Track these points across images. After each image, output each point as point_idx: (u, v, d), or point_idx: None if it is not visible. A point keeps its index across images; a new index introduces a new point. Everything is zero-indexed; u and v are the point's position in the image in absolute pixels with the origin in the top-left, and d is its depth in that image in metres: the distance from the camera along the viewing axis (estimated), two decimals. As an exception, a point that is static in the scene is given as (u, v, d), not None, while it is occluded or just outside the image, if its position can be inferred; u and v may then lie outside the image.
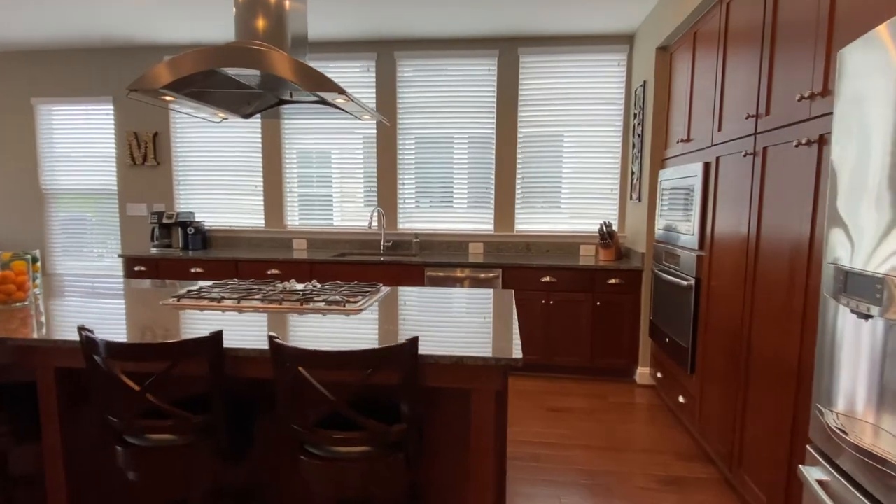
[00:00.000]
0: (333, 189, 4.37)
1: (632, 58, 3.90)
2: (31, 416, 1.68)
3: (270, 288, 2.32)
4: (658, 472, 2.46)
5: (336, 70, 4.23)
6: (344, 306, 2.01)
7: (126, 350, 1.37)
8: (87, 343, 1.41)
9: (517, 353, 1.44)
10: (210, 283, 2.50)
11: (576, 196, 4.12)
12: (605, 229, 3.73)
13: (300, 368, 1.37)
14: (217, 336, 1.42)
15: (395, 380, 1.41)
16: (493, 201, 4.19)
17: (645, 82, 3.50)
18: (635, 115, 3.69)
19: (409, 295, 2.31)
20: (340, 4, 3.41)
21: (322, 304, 2.04)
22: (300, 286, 2.39)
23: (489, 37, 4.00)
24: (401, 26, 3.80)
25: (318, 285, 2.41)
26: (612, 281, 3.50)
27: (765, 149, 1.98)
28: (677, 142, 2.97)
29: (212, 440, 1.48)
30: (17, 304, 2.02)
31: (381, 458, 1.40)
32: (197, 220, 4.42)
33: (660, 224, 3.22)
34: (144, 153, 4.43)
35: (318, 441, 1.40)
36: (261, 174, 4.39)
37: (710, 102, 2.55)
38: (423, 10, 3.48)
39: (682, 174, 2.82)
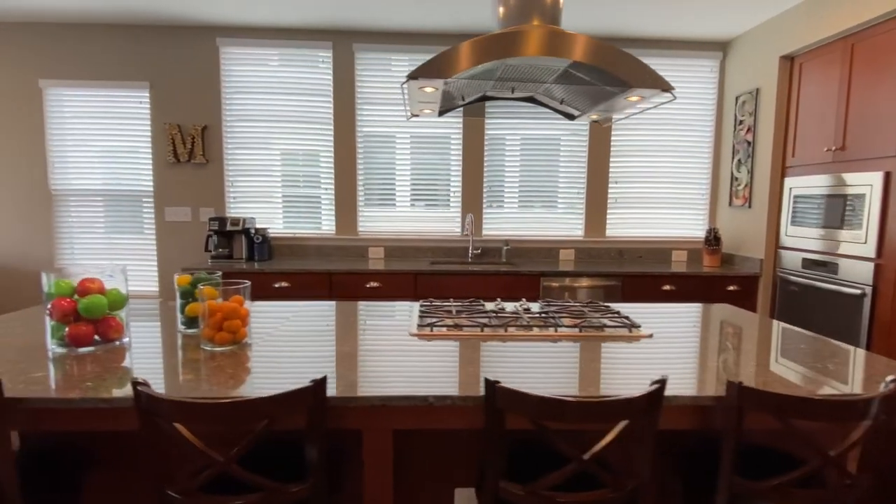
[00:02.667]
0: (402, 193, 4.02)
1: (725, 64, 3.93)
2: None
3: (489, 310, 2.03)
4: (860, 483, 2.45)
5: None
6: (630, 331, 1.78)
7: (583, 408, 1.08)
8: (512, 399, 1.10)
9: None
10: (415, 303, 2.15)
11: (665, 200, 4.09)
12: (712, 235, 3.72)
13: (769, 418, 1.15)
14: (661, 385, 1.17)
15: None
16: (584, 206, 4.05)
17: (758, 90, 3.53)
18: (741, 121, 3.71)
19: (647, 312, 2.11)
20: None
21: (595, 330, 1.79)
22: (531, 306, 2.12)
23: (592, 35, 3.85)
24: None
25: (551, 305, 2.15)
26: (731, 288, 3.50)
27: None
28: (826, 150, 2.99)
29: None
30: (244, 343, 1.59)
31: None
32: (258, 226, 3.90)
33: (790, 231, 3.25)
34: (191, 149, 3.82)
35: None
36: (331, 175, 3.95)
37: (884, 114, 2.58)
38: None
39: (841, 182, 2.84)
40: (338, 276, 3.40)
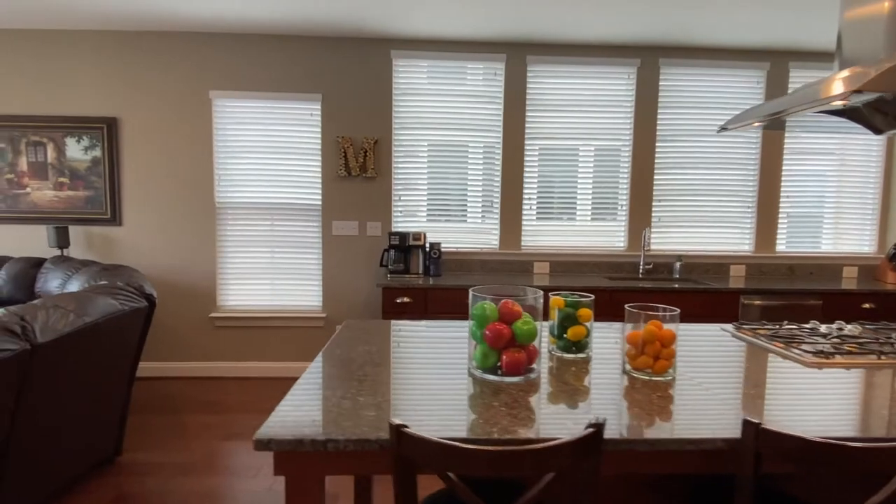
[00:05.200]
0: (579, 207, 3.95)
1: (901, 77, 3.86)
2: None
3: (824, 332, 1.93)
4: None
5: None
6: None
7: None
8: None
9: None
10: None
11: (831, 215, 4.00)
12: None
13: None
14: None
15: None
16: (753, 220, 3.96)
17: (956, 103, 3.45)
18: (928, 135, 3.63)
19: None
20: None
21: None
22: (849, 328, 2.02)
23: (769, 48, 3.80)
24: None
25: (869, 327, 2.05)
26: (933, 305, 3.40)
27: None
28: None
29: None
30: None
31: None
32: (431, 241, 3.82)
33: None
34: (362, 163, 3.75)
35: None
36: (497, 190, 3.87)
37: None
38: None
39: None
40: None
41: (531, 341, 1.44)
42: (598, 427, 0.99)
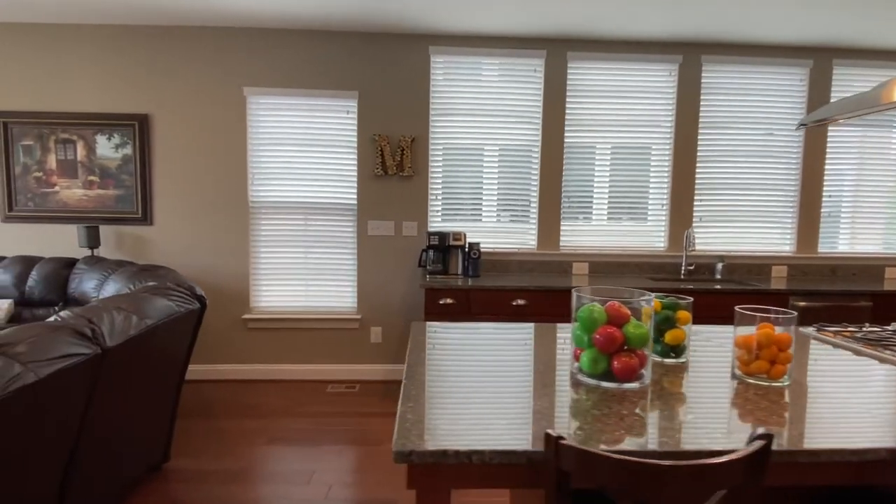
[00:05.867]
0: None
1: (946, 75, 3.80)
2: None
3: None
4: None
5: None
6: None
7: None
8: None
9: None
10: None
11: (868, 215, 3.94)
12: (949, 252, 3.57)
13: None
14: None
15: None
16: (795, 219, 3.90)
17: None
18: (976, 134, 3.58)
19: None
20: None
21: None
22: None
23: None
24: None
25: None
26: (985, 307, 3.34)
27: None
28: None
29: None
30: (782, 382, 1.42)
31: None
32: (470, 241, 3.75)
33: None
34: (399, 161, 3.68)
35: None
36: (535, 189, 3.81)
37: None
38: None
39: None
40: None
41: (643, 346, 1.37)
42: (769, 439, 0.93)
